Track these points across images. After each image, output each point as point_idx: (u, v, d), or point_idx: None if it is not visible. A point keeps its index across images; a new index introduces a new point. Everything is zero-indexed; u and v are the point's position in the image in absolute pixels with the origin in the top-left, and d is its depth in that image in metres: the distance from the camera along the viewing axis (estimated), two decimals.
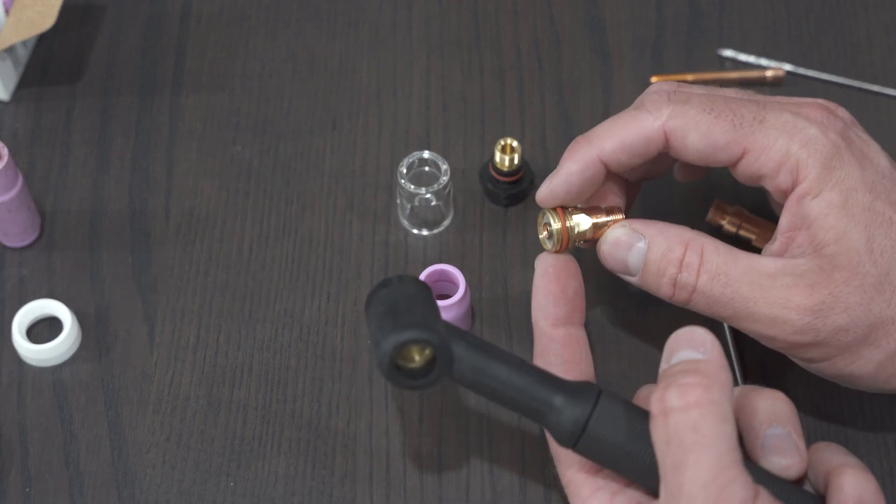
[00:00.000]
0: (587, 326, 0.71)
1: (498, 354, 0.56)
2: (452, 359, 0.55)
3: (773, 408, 0.57)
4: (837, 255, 0.59)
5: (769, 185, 0.61)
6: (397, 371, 0.55)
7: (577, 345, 0.60)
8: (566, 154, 0.63)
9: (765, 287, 0.60)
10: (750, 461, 0.56)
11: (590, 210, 0.64)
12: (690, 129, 0.61)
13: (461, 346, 0.55)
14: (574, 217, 0.64)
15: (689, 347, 0.53)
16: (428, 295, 0.56)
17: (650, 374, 0.69)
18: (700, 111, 0.61)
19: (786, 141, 0.60)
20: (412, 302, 0.56)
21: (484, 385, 0.55)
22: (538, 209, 0.74)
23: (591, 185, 0.63)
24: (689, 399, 0.51)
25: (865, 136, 0.63)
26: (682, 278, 0.61)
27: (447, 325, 0.56)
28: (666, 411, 0.51)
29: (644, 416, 0.54)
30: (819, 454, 0.57)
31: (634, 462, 0.54)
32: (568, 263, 0.62)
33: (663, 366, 0.53)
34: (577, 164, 0.63)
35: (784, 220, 0.61)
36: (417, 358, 0.56)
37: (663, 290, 0.62)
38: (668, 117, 0.61)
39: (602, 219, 0.64)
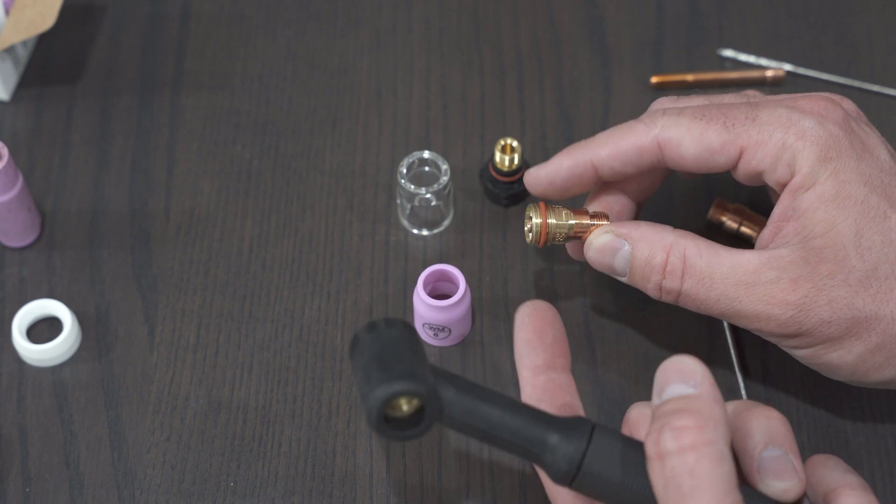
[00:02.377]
0: (588, 326, 0.71)
1: (488, 396, 0.54)
2: (442, 407, 0.53)
3: (767, 428, 0.55)
4: (824, 248, 0.59)
5: (769, 181, 0.62)
6: (386, 422, 0.54)
7: (558, 390, 0.58)
8: (562, 151, 0.66)
9: (749, 285, 0.60)
10: (747, 486, 0.55)
11: (575, 211, 0.65)
12: (683, 136, 0.62)
13: (450, 391, 0.54)
14: (556, 214, 0.65)
15: (680, 381, 0.51)
16: (414, 339, 0.55)
17: (650, 374, 0.69)
18: (692, 119, 0.62)
19: (781, 134, 0.60)
20: (398, 348, 0.54)
21: (475, 428, 0.54)
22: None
23: (577, 184, 0.65)
24: (685, 442, 0.49)
25: (868, 129, 0.63)
26: (667, 284, 0.62)
27: (435, 368, 0.54)
28: (662, 454, 0.50)
29: (639, 447, 0.53)
30: (818, 472, 0.56)
31: (632, 496, 0.53)
32: (545, 312, 0.59)
33: (655, 400, 0.51)
34: (568, 159, 0.65)
35: (777, 210, 0.61)
36: (406, 407, 0.54)
37: (650, 293, 0.63)
38: (662, 128, 0.62)
39: (585, 220, 0.65)
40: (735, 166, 0.62)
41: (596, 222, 0.65)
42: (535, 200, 0.75)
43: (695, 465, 0.49)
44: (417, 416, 0.53)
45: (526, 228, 0.66)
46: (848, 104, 0.64)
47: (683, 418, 0.50)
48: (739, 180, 0.63)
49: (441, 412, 0.53)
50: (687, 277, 0.61)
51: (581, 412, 0.58)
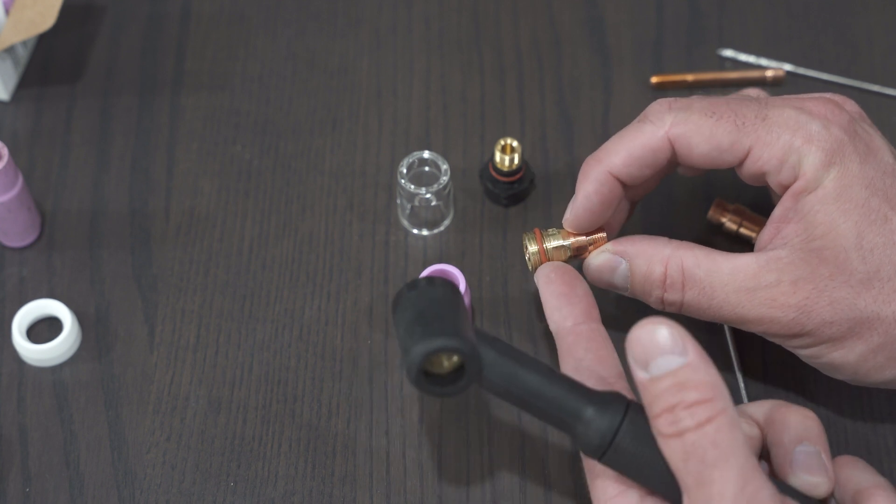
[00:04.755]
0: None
1: (528, 363, 0.55)
2: (481, 367, 0.54)
3: (803, 425, 0.57)
4: (824, 250, 0.60)
5: (772, 182, 0.61)
6: (425, 378, 0.54)
7: (601, 339, 0.60)
8: (580, 177, 0.64)
9: (749, 290, 0.60)
10: (776, 479, 0.56)
11: (568, 232, 0.65)
12: (694, 134, 0.61)
13: (491, 353, 0.54)
14: (552, 241, 0.65)
15: (664, 353, 0.51)
16: (457, 298, 0.55)
17: None
18: (702, 116, 0.61)
19: (788, 137, 0.60)
20: (442, 306, 0.54)
21: (512, 394, 0.55)
22: (538, 209, 0.75)
23: (611, 201, 0.64)
24: (701, 417, 0.50)
25: (872, 130, 0.63)
26: (668, 296, 0.62)
27: (477, 330, 0.55)
28: (681, 432, 0.50)
29: None
30: (847, 471, 0.57)
31: (660, 475, 0.53)
32: (567, 268, 0.63)
33: (640, 374, 0.52)
34: (592, 184, 0.63)
35: (777, 211, 0.62)
36: (446, 364, 0.54)
37: (653, 305, 0.64)
38: (671, 125, 0.62)
39: (581, 239, 0.65)
40: (740, 165, 0.62)
41: (591, 238, 0.65)
42: (535, 206, 0.75)
43: (716, 436, 0.50)
44: (457, 374, 0.54)
45: (525, 258, 0.66)
46: (851, 106, 0.64)
47: (691, 393, 0.50)
48: (742, 177, 0.63)
49: (480, 373, 0.54)
50: (687, 288, 0.61)
51: (621, 368, 0.59)
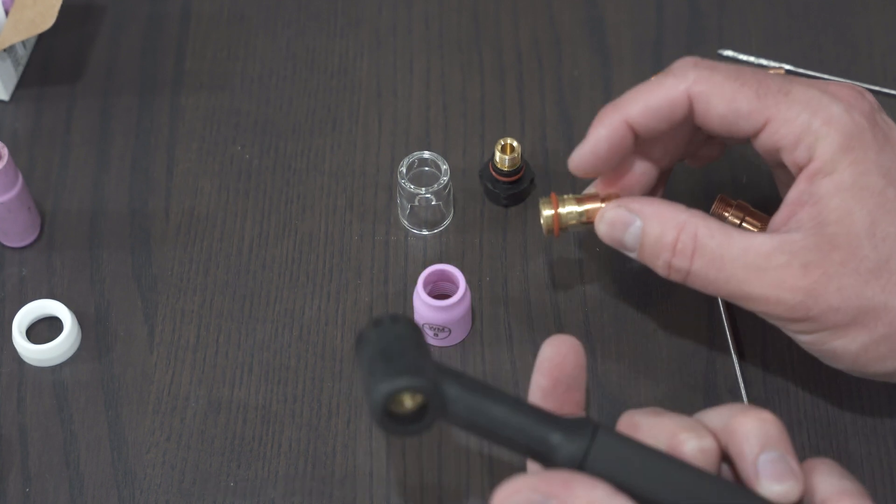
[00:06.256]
0: (588, 325, 0.71)
1: (492, 394, 0.54)
2: (445, 402, 0.53)
3: (762, 431, 0.54)
4: (837, 236, 0.59)
5: (786, 159, 0.61)
6: (390, 417, 0.54)
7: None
8: (595, 121, 0.64)
9: (759, 268, 0.60)
10: (746, 490, 0.54)
11: (585, 198, 0.65)
12: (714, 94, 0.61)
13: (454, 388, 0.54)
14: (567, 205, 0.65)
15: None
16: (419, 336, 0.55)
17: (650, 374, 0.70)
18: (726, 77, 0.61)
19: (808, 116, 0.60)
20: (403, 344, 0.54)
21: (479, 426, 0.54)
22: (538, 209, 0.75)
23: (620, 150, 0.64)
24: None
25: (890, 121, 0.62)
26: (677, 262, 0.61)
27: (439, 365, 0.54)
28: None
29: (641, 449, 0.53)
30: (812, 479, 0.55)
31: (632, 496, 0.53)
32: (566, 357, 0.58)
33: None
34: (604, 128, 0.63)
35: (792, 193, 0.61)
36: (409, 403, 0.54)
37: (659, 270, 0.63)
38: (694, 81, 0.62)
39: (595, 205, 0.65)
40: (756, 135, 0.62)
41: (607, 203, 0.65)
42: (535, 206, 0.75)
43: None
44: (421, 412, 0.54)
45: (541, 221, 0.66)
46: (870, 96, 0.63)
47: None
48: (757, 150, 0.63)
49: (444, 409, 0.53)
50: (697, 257, 0.61)
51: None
